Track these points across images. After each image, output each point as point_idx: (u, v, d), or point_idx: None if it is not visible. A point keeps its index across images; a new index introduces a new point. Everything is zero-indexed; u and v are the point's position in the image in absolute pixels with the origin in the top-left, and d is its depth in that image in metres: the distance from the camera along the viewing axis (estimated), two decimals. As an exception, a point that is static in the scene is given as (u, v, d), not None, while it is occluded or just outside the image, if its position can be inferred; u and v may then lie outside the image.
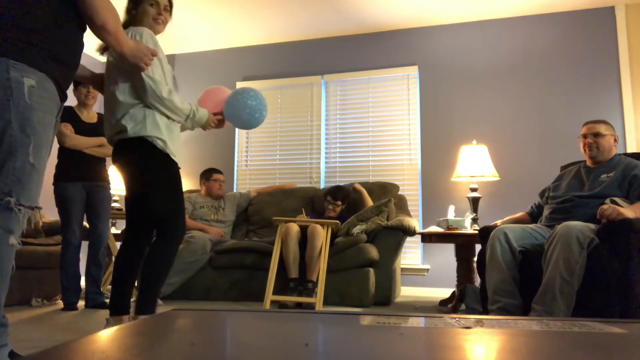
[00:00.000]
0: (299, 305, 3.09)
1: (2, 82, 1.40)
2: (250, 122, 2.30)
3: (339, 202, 3.68)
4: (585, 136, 2.57)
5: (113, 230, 4.11)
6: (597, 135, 2.53)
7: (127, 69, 1.95)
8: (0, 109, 1.39)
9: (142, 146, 1.98)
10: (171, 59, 5.07)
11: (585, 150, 2.58)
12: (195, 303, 3.35)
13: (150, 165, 2.00)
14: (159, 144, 1.99)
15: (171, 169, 2.05)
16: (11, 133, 1.41)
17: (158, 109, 2.00)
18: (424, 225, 4.12)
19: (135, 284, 2.21)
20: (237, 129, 4.85)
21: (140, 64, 1.86)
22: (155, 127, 1.98)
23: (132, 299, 2.07)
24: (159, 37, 2.11)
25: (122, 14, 2.05)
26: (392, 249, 3.36)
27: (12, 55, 1.42)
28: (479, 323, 0.84)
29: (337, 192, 3.70)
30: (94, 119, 3.17)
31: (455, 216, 3.40)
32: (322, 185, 4.46)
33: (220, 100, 2.30)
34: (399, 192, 4.02)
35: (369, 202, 3.67)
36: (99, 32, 1.64)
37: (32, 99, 1.44)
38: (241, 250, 3.50)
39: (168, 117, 2.04)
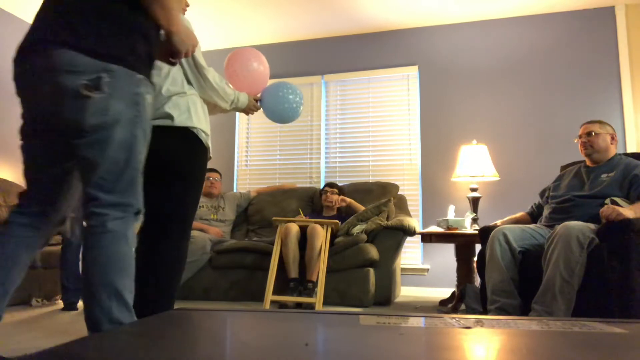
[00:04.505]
0: (299, 305, 3.09)
1: (131, 96, 1.28)
2: (285, 119, 2.26)
3: (335, 190, 3.75)
4: (580, 136, 2.63)
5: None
6: (589, 134, 2.57)
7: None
8: (129, 125, 1.29)
9: (186, 137, 1.83)
10: (171, 59, 5.06)
11: (581, 150, 2.64)
12: (195, 303, 3.35)
13: (192, 158, 1.87)
14: (203, 136, 1.88)
15: (205, 165, 1.95)
16: (140, 150, 1.34)
17: (211, 96, 1.91)
18: (424, 225, 4.12)
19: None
20: (236, 129, 4.85)
21: (184, 52, 1.52)
22: (198, 119, 1.86)
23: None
24: None
25: None
26: (392, 249, 3.36)
27: (135, 67, 1.30)
28: (479, 323, 0.84)
29: (329, 183, 3.85)
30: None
31: (455, 216, 3.39)
32: (322, 186, 4.46)
33: (253, 83, 2.20)
34: (399, 192, 4.02)
35: (361, 207, 3.68)
36: (150, 3, 1.34)
37: (149, 114, 1.37)
38: (241, 250, 3.49)
39: (205, 104, 1.94)
